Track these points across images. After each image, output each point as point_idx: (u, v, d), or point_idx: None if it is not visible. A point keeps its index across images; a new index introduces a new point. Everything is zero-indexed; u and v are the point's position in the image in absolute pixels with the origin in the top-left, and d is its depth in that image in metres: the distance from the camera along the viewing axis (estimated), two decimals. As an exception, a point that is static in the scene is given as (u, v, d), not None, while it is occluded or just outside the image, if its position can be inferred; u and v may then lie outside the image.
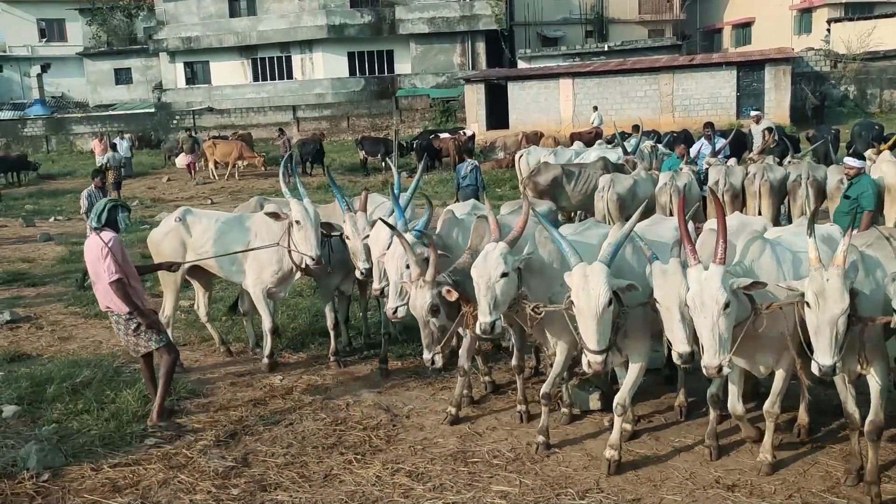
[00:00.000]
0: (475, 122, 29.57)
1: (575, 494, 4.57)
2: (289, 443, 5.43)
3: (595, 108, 26.54)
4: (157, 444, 5.46)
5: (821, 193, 10.03)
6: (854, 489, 4.47)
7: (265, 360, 7.03)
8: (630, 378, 4.94)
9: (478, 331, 4.67)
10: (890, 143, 12.66)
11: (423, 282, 4.86)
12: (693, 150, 12.62)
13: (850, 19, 31.72)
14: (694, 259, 4.22)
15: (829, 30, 32.05)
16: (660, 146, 15.18)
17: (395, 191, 6.47)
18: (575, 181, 11.78)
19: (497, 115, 29.46)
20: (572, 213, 12.56)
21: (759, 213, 10.27)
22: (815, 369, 3.95)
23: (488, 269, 4.59)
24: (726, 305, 4.03)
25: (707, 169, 11.23)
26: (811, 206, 9.78)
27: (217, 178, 24.28)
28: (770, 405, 4.72)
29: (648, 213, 10.37)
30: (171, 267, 6.42)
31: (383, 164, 24.26)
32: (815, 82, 28.37)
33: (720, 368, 4.05)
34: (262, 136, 31.20)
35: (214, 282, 7.75)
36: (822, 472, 4.74)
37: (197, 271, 7.26)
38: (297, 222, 6.42)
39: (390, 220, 5.72)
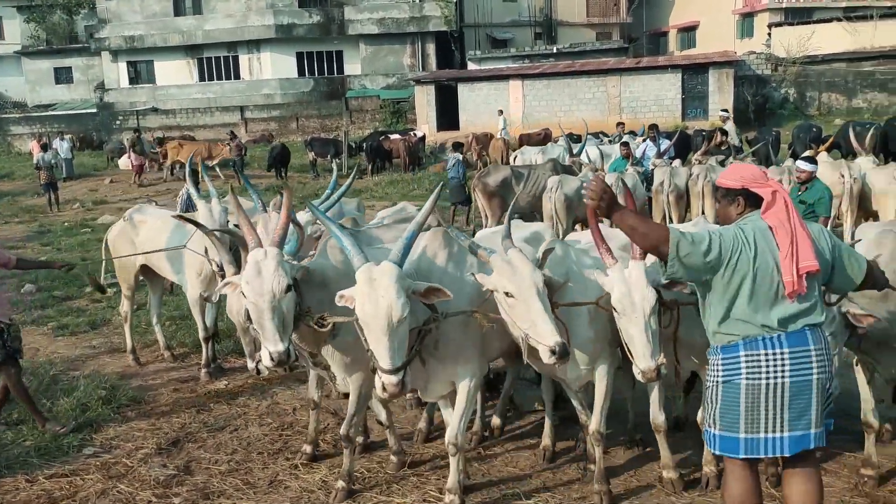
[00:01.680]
0: (425, 123, 29.57)
1: (522, 494, 4.56)
2: (233, 449, 5.33)
3: (500, 112, 26.79)
4: (96, 453, 5.30)
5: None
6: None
7: (202, 371, 6.80)
8: (459, 406, 4.23)
9: (267, 363, 3.85)
10: (826, 144, 13.07)
11: (221, 286, 4.21)
12: (638, 152, 12.82)
13: (791, 24, 32.62)
14: (611, 259, 3.92)
15: (770, 34, 32.88)
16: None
17: (329, 190, 5.98)
18: (524, 182, 11.85)
19: (447, 116, 29.52)
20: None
21: (703, 213, 10.49)
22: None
23: (269, 286, 3.78)
24: (657, 302, 3.80)
25: (652, 170, 11.42)
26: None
27: (167, 179, 23.75)
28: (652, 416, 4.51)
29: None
30: (64, 268, 6.29)
31: (333, 164, 24.05)
32: (756, 85, 29.09)
33: (658, 371, 3.75)
34: (208, 137, 30.64)
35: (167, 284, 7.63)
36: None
37: (150, 271, 7.16)
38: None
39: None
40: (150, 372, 7.11)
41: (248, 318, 4.03)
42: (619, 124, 20.37)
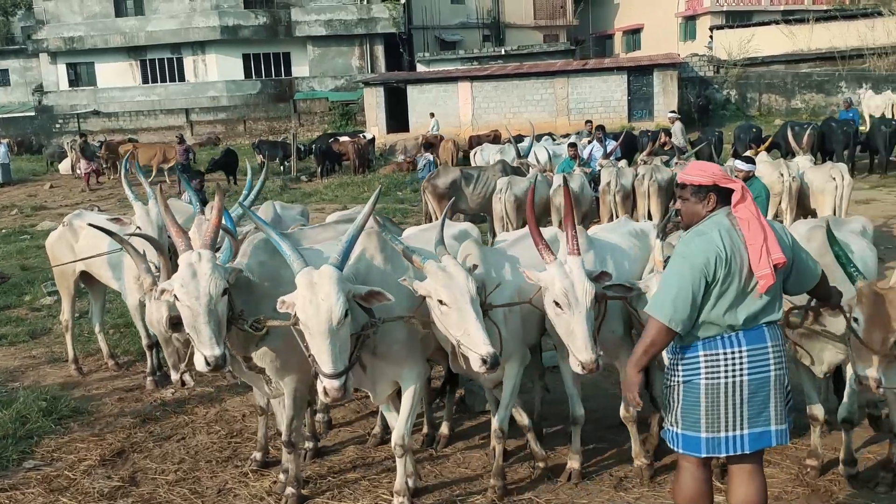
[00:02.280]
0: (375, 125, 29.47)
1: (474, 495, 4.57)
2: (181, 458, 5.22)
3: (432, 115, 26.95)
4: (37, 466, 5.14)
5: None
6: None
7: (147, 379, 6.64)
8: (404, 408, 4.23)
9: (203, 368, 3.75)
10: (766, 144, 13.43)
11: (157, 292, 4.07)
12: (585, 153, 12.98)
13: (731, 27, 33.42)
14: (550, 256, 3.97)
15: (711, 37, 33.67)
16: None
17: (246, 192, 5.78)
18: (474, 184, 11.89)
19: (397, 118, 29.45)
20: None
21: (649, 213, 10.68)
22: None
23: (205, 288, 3.70)
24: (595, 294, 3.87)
25: (599, 171, 11.57)
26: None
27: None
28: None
29: (545, 214, 10.68)
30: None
31: (282, 167, 23.82)
32: (699, 86, 29.74)
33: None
34: (152, 140, 30.02)
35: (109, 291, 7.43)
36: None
37: (91, 278, 6.97)
38: (139, 228, 5.85)
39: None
40: (93, 381, 6.92)
41: (171, 326, 3.95)
42: (587, 122, 20.71)
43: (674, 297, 3.20)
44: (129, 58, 37.88)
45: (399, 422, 4.27)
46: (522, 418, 4.68)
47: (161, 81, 38.07)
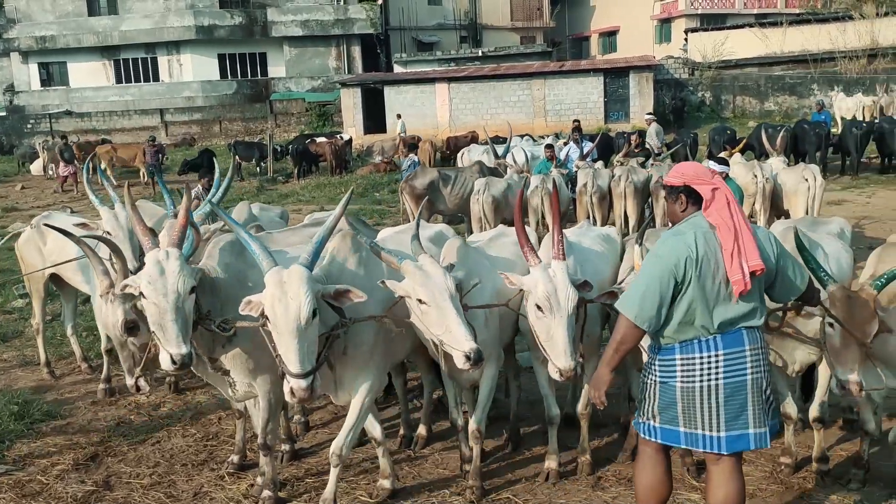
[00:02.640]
0: (352, 126, 29.40)
1: (448, 493, 4.58)
2: (155, 462, 5.16)
3: (399, 116, 27.03)
4: (8, 471, 5.05)
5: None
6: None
7: (100, 386, 6.46)
8: (351, 417, 4.15)
9: (168, 367, 3.69)
10: (740, 146, 13.57)
11: (114, 295, 4.01)
12: (562, 154, 13.04)
13: (706, 30, 33.78)
14: (535, 259, 3.99)
15: (686, 39, 33.99)
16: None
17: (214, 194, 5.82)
18: (451, 185, 11.91)
19: (374, 119, 29.40)
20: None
21: (625, 214, 10.76)
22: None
23: (173, 285, 3.68)
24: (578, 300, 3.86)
25: (576, 172, 11.63)
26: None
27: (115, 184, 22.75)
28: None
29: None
30: None
31: (258, 168, 23.68)
32: (675, 89, 30.01)
33: (576, 370, 3.80)
34: (126, 141, 29.69)
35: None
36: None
37: (61, 281, 6.85)
38: (108, 232, 5.69)
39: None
40: (66, 385, 6.82)
41: (127, 330, 3.92)
42: (575, 121, 20.82)
43: (642, 295, 3.25)
44: (103, 57, 37.46)
45: (342, 431, 4.19)
46: (375, 431, 4.53)
47: (135, 81, 37.68)
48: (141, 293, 3.75)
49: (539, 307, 3.87)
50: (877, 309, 3.69)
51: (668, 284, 3.22)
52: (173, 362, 3.67)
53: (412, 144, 19.49)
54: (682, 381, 3.29)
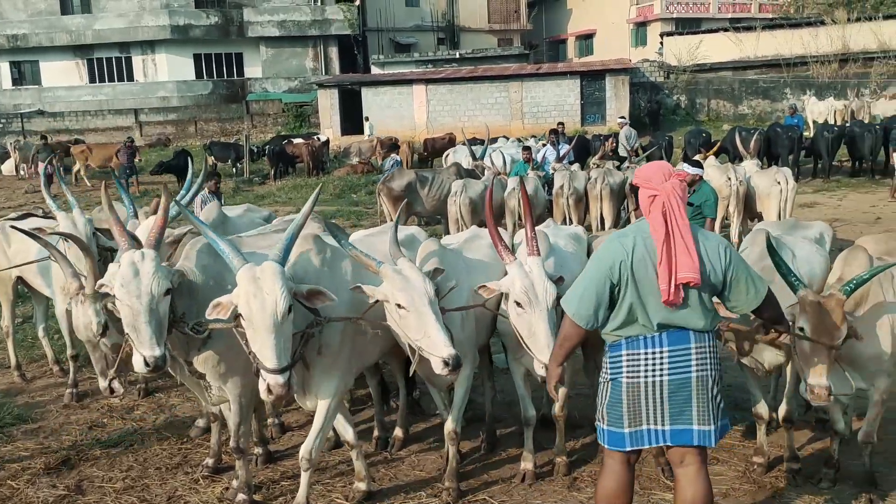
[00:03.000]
0: (329, 127, 29.30)
1: (424, 495, 4.59)
2: (129, 466, 5.10)
3: (366, 119, 27.00)
4: (-23, 477, 4.98)
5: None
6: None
7: (67, 391, 6.33)
8: (318, 421, 4.12)
9: (142, 369, 3.69)
10: (714, 149, 13.72)
11: (84, 296, 4.03)
12: (538, 156, 13.10)
13: (681, 34, 34.12)
14: (509, 256, 4.02)
15: (662, 43, 34.30)
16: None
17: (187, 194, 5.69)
18: (429, 186, 11.92)
19: (351, 120, 29.33)
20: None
21: (602, 215, 10.83)
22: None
23: (147, 286, 3.66)
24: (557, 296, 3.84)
25: (552, 174, 11.69)
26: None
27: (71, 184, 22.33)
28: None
29: (498, 217, 10.74)
30: None
31: (234, 169, 23.51)
32: (650, 92, 30.27)
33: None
34: (100, 141, 29.36)
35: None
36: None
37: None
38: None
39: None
40: (37, 388, 6.72)
41: (103, 332, 3.91)
42: (559, 123, 20.97)
43: (580, 294, 3.34)
44: (76, 57, 37.02)
45: (310, 435, 4.15)
46: (347, 434, 4.51)
47: (109, 81, 37.26)
48: (114, 295, 3.72)
49: (518, 303, 3.89)
50: (846, 314, 3.74)
51: (604, 286, 3.29)
52: (146, 364, 3.64)
53: (394, 145, 19.50)
54: (627, 377, 3.32)
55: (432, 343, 3.67)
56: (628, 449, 3.39)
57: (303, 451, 4.15)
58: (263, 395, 3.59)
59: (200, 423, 5.53)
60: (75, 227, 5.73)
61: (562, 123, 21.31)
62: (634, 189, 3.50)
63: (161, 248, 4.03)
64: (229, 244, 3.75)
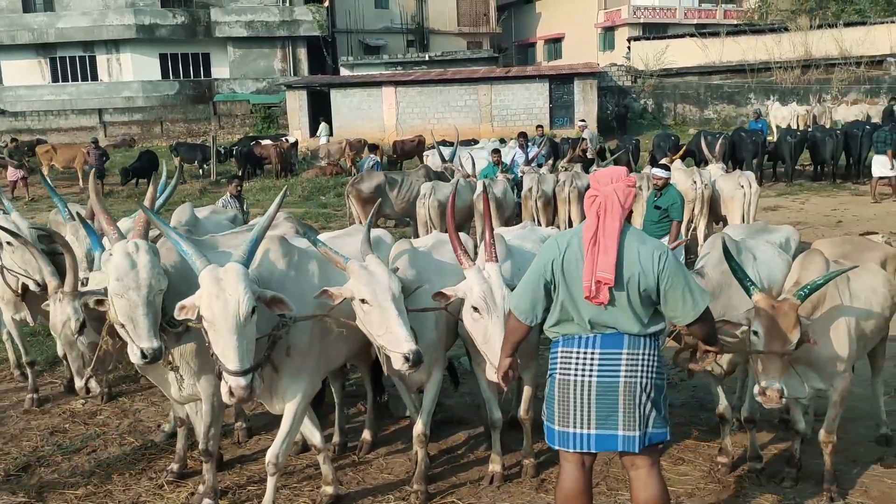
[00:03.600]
0: (298, 129, 29.11)
1: (393, 498, 4.58)
2: (91, 472, 5.01)
3: (322, 120, 26.96)
4: (-67, 484, 4.85)
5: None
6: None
7: (27, 397, 6.20)
8: (285, 425, 4.09)
9: (139, 361, 3.71)
10: (680, 153, 13.89)
11: (63, 294, 3.99)
12: (507, 159, 13.15)
13: (648, 38, 34.47)
14: (468, 262, 4.05)
15: (629, 47, 34.62)
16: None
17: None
18: (398, 189, 11.90)
19: (320, 122, 29.16)
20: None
21: (570, 218, 10.89)
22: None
23: (146, 279, 3.66)
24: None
25: (521, 177, 11.74)
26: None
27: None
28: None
29: (468, 219, 10.75)
30: None
31: (201, 171, 23.24)
32: (618, 96, 30.55)
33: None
34: (63, 142, 28.82)
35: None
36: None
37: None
38: (9, 243, 5.51)
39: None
40: (-4, 393, 6.59)
41: (80, 330, 3.89)
42: (538, 127, 21.14)
43: (520, 291, 3.48)
44: (38, 55, 36.32)
45: (277, 439, 4.12)
46: (314, 438, 4.48)
47: (72, 80, 36.61)
48: (105, 289, 3.70)
49: (476, 308, 3.91)
50: (800, 318, 3.80)
51: (539, 283, 3.39)
52: (144, 356, 3.67)
53: (373, 145, 19.43)
54: (560, 374, 3.39)
55: (394, 338, 3.69)
56: (556, 448, 3.45)
57: (269, 455, 4.11)
58: (226, 398, 3.55)
59: (165, 427, 5.50)
60: (19, 230, 5.57)
61: (540, 126, 21.49)
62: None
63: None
64: (191, 245, 3.71)
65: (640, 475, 3.42)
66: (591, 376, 3.31)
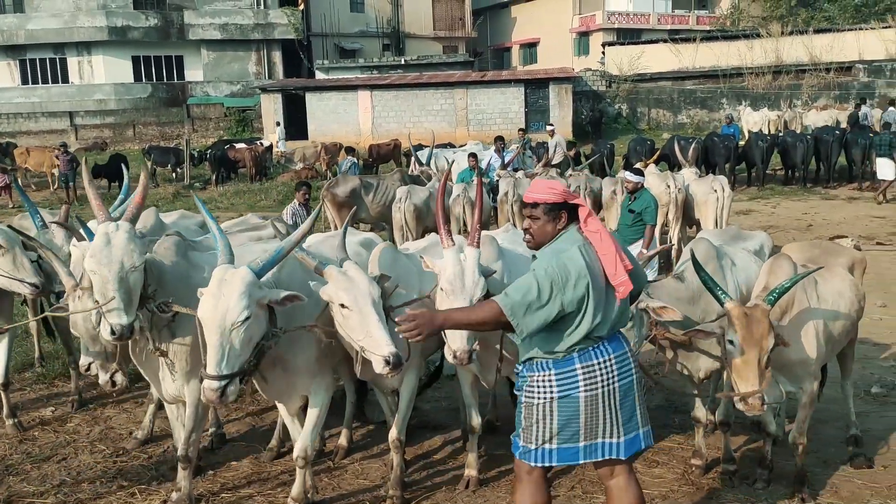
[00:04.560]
0: (272, 132, 28.93)
1: (368, 500, 4.57)
2: (61, 480, 4.93)
3: (278, 124, 26.96)
4: None
5: (597, 203, 10.86)
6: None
7: (8, 422, 5.82)
8: (311, 420, 4.25)
9: (107, 336, 3.83)
10: (654, 157, 14.01)
11: (81, 290, 4.10)
12: (483, 163, 13.18)
13: (622, 44, 34.76)
14: (448, 241, 3.95)
15: (604, 52, 34.90)
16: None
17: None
18: (374, 193, 11.88)
19: (296, 125, 29.03)
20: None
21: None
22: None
23: (118, 255, 3.78)
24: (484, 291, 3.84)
25: (497, 180, 11.77)
26: (589, 215, 10.54)
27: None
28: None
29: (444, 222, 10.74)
30: None
31: (174, 174, 23.03)
32: (593, 100, 30.76)
33: (471, 354, 3.78)
34: (33, 145, 28.40)
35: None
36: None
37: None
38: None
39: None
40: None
41: (101, 323, 3.91)
42: (520, 130, 21.20)
43: (520, 288, 3.20)
44: (7, 57, 35.78)
45: (304, 433, 4.25)
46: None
47: (42, 83, 36.10)
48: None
49: (443, 289, 3.86)
50: (771, 323, 3.85)
51: (562, 272, 3.30)
52: (112, 332, 3.76)
53: (350, 147, 19.38)
54: (585, 390, 3.26)
55: (374, 342, 3.67)
56: (581, 461, 3.37)
57: (297, 450, 4.24)
58: (203, 397, 3.58)
59: (138, 435, 5.43)
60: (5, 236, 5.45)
61: (523, 129, 21.56)
62: (550, 207, 3.37)
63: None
64: (226, 242, 3.81)
65: (620, 482, 3.42)
66: (614, 382, 3.29)
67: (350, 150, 18.69)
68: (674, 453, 5.10)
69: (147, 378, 4.51)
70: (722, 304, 3.90)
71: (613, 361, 3.30)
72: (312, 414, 4.24)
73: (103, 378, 4.19)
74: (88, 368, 4.32)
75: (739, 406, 3.81)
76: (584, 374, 3.27)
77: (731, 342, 3.83)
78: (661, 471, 4.85)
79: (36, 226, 5.78)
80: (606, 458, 3.34)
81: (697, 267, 4.02)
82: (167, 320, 3.99)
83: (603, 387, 3.28)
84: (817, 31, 31.16)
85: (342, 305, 3.77)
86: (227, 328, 3.47)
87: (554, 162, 14.97)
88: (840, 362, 5.14)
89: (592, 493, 4.58)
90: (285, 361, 4.09)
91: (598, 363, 3.28)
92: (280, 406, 4.51)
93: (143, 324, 3.94)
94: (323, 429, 5.35)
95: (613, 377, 3.30)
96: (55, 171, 20.91)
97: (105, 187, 19.83)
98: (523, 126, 27.81)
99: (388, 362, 3.61)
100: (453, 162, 13.73)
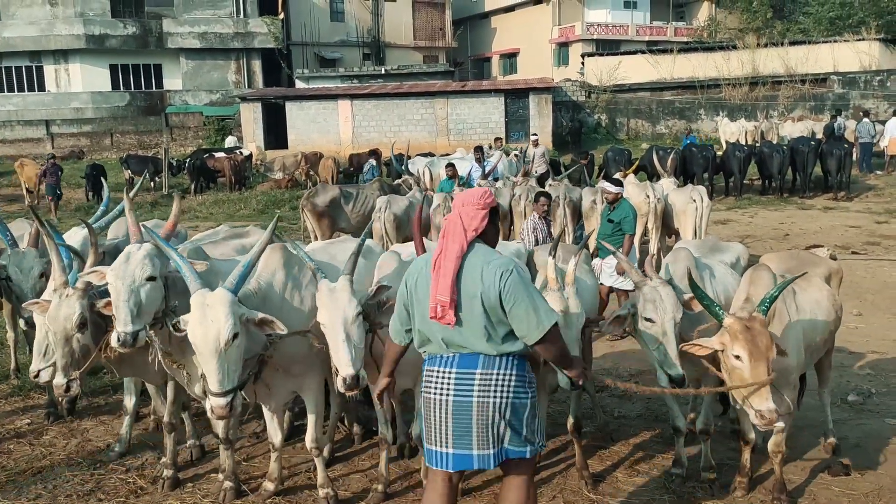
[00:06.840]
0: (252, 141, 28.82)
1: (353, 518, 4.55)
2: (37, 494, 4.85)
3: (231, 133, 26.94)
4: None
5: (577, 213, 10.91)
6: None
7: None
8: (312, 413, 4.55)
9: (113, 343, 4.04)
10: (633, 167, 14.11)
11: (72, 290, 4.23)
12: (464, 173, 13.21)
13: (601, 55, 35.04)
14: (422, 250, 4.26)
15: (583, 63, 35.16)
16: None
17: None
18: (353, 202, 11.86)
19: (275, 134, 28.93)
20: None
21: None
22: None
23: (132, 271, 4.04)
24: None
25: (478, 190, 11.78)
26: (568, 224, 10.59)
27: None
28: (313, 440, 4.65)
29: (424, 232, 10.74)
30: None
31: (152, 184, 22.84)
32: (572, 110, 30.96)
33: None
34: (8, 154, 28.07)
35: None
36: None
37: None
38: None
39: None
40: (-64, 414, 6.35)
41: (79, 326, 4.15)
42: (496, 139, 21.31)
43: (394, 314, 3.61)
44: (-18, 65, 35.41)
45: (310, 425, 4.52)
46: (275, 438, 4.69)
47: (18, 91, 35.70)
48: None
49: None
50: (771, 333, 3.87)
51: (401, 305, 3.58)
52: (118, 339, 3.98)
53: (373, 150, 19.38)
54: (424, 392, 3.46)
55: (337, 361, 3.85)
56: (428, 465, 3.46)
57: (309, 441, 4.53)
58: (209, 413, 3.80)
59: (116, 448, 5.35)
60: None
61: (499, 138, 21.67)
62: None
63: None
64: (189, 267, 3.95)
65: (511, 483, 3.48)
66: (447, 395, 3.34)
67: (372, 153, 18.49)
68: (654, 462, 5.12)
69: (178, 381, 4.65)
70: (720, 321, 3.91)
71: (452, 375, 3.34)
72: (312, 408, 4.52)
73: (59, 381, 4.18)
74: (38, 375, 4.43)
75: (755, 421, 3.81)
76: (426, 376, 3.46)
77: (737, 357, 3.82)
78: (641, 479, 4.86)
79: (6, 244, 5.72)
80: (437, 467, 3.40)
81: (694, 287, 4.04)
82: (179, 337, 4.05)
83: (435, 394, 3.38)
84: (793, 44, 31.62)
85: (321, 322, 3.95)
86: (221, 349, 3.66)
87: (539, 172, 15.02)
88: (818, 371, 5.19)
89: (574, 502, 4.59)
90: (277, 368, 4.24)
91: (437, 371, 3.40)
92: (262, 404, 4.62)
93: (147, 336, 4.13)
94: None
95: (447, 390, 3.35)
96: (42, 187, 20.44)
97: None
98: (502, 136, 28.03)
99: (344, 381, 3.79)
100: (426, 167, 13.85)
